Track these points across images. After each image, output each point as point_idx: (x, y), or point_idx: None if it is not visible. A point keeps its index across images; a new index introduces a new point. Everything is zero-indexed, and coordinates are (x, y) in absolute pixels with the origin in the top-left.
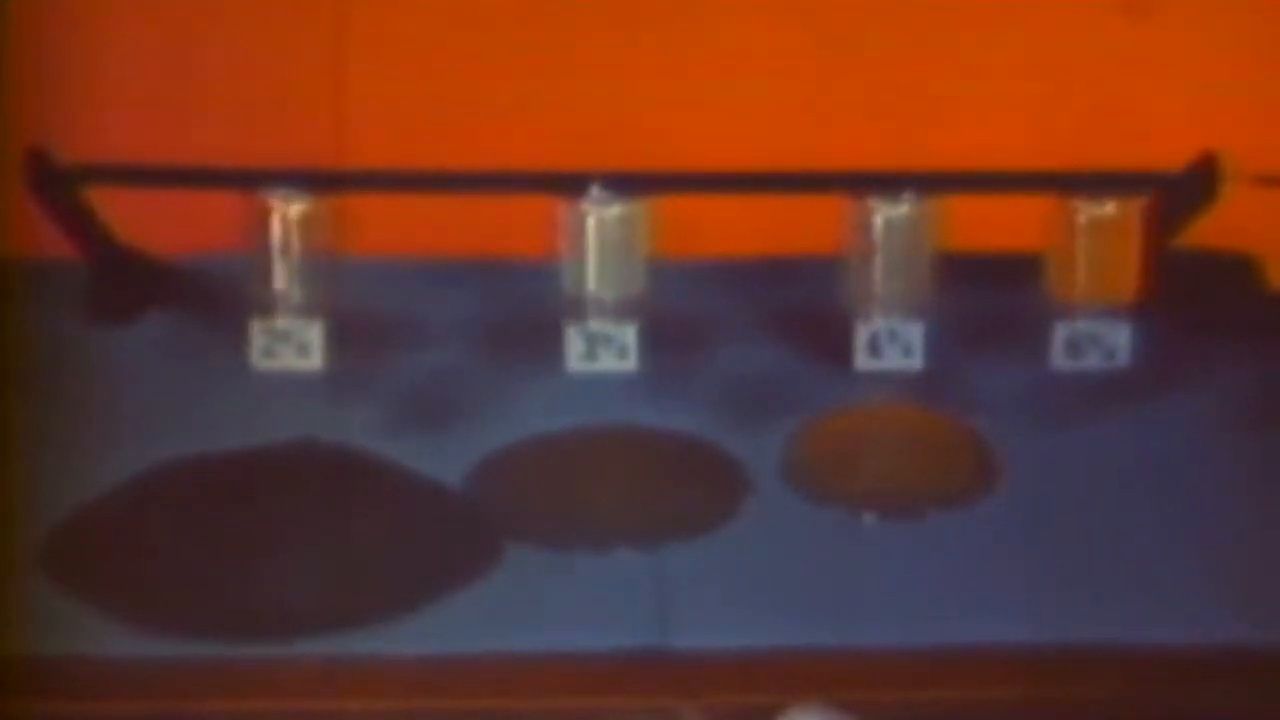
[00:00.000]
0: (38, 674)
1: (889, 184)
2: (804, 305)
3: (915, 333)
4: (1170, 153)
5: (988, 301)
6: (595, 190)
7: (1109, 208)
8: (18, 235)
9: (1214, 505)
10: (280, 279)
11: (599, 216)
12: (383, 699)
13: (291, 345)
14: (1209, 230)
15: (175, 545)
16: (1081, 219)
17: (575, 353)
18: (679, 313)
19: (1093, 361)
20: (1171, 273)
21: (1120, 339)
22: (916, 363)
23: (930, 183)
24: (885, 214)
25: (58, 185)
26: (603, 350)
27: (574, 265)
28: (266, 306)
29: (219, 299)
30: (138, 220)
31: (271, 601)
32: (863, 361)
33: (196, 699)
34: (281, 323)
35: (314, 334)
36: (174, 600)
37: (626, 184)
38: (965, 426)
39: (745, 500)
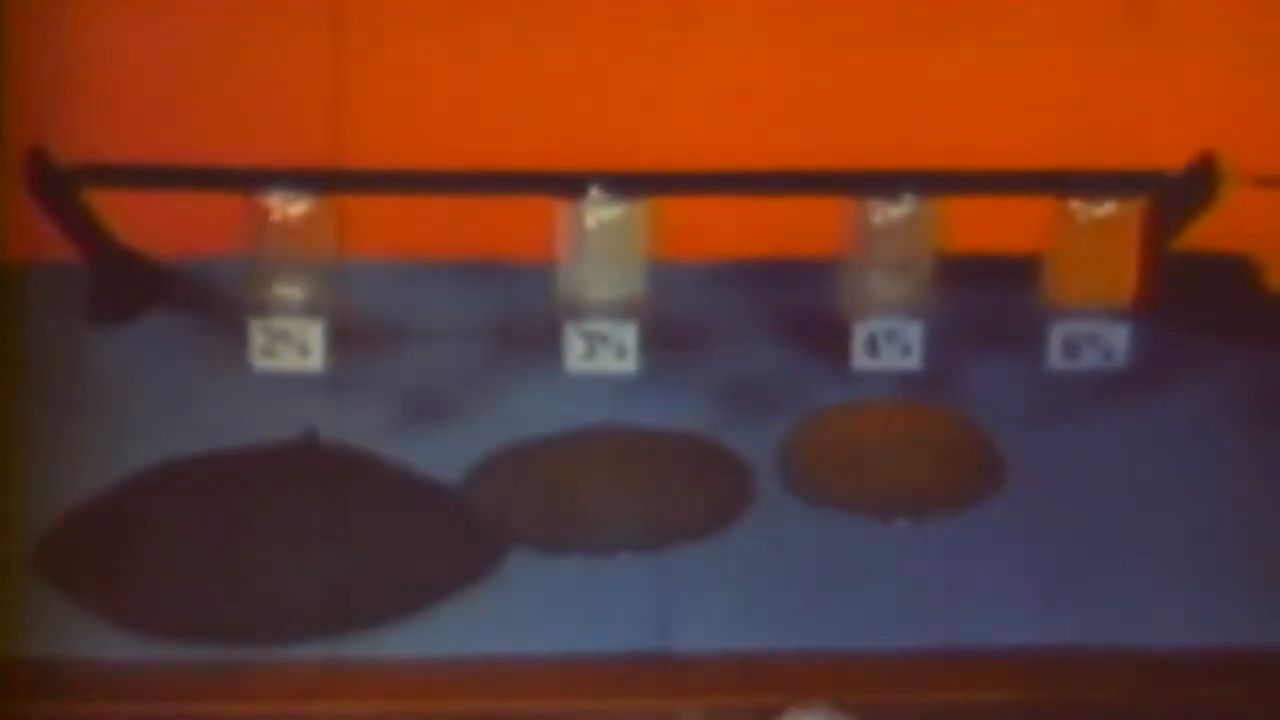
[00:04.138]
0: (35, 676)
1: (889, 184)
2: (803, 305)
3: (914, 333)
4: (1170, 153)
5: (986, 302)
6: (594, 191)
7: (1108, 208)
8: (18, 237)
9: (1213, 506)
10: (280, 279)
11: (598, 217)
12: (382, 701)
13: (292, 345)
14: (1209, 231)
15: (172, 546)
16: (1081, 219)
17: (575, 353)
18: (678, 313)
19: (1090, 362)
20: (1171, 274)
21: (1118, 340)
22: (915, 363)
23: (930, 183)
24: (885, 214)
25: (58, 186)
26: (602, 350)
27: (573, 266)
28: (266, 307)
29: (219, 299)
30: (138, 221)
31: (270, 603)
32: (861, 361)
33: (194, 702)
34: (282, 323)
35: (314, 334)
36: (171, 602)
37: (626, 184)
38: (967, 425)
39: (745, 501)
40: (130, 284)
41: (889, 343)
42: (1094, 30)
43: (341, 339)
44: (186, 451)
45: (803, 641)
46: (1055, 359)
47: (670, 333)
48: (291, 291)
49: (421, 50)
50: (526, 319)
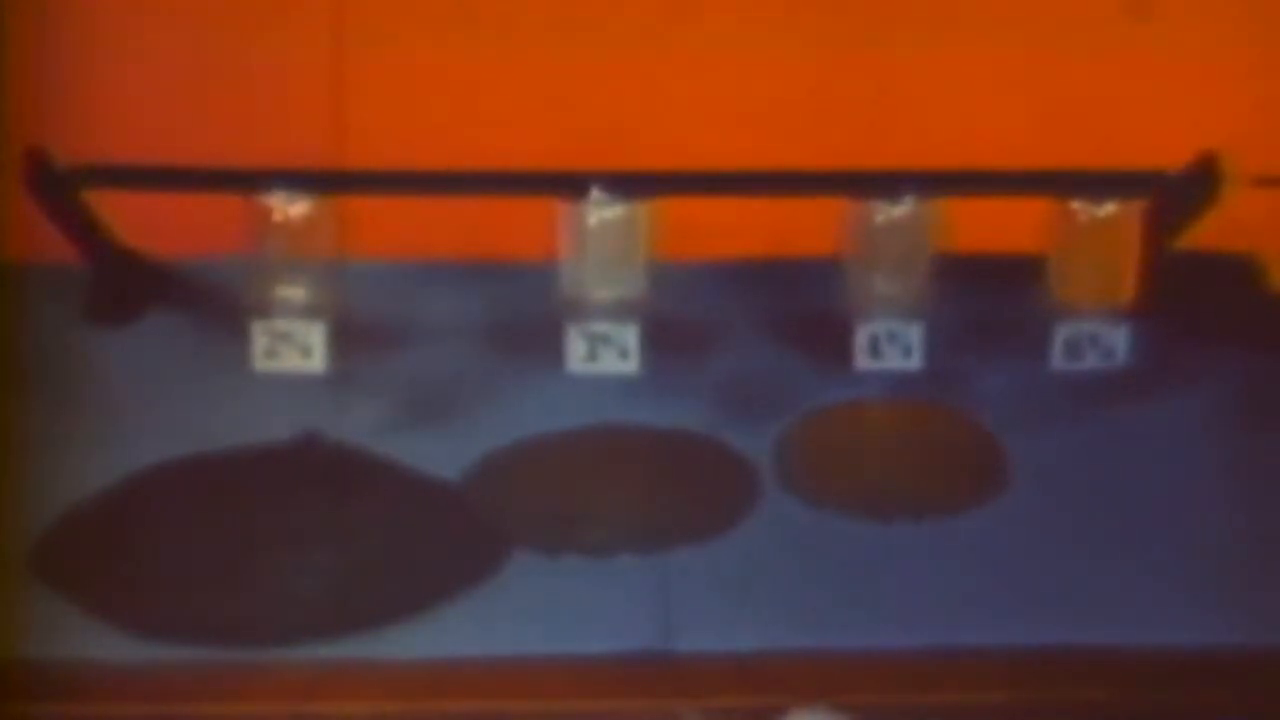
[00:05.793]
0: (35, 676)
1: (889, 184)
2: (804, 306)
3: (915, 333)
4: (1170, 153)
5: (987, 302)
6: (595, 191)
7: (1109, 208)
8: (18, 237)
9: (1213, 506)
10: (281, 280)
11: (599, 217)
12: (382, 701)
13: (293, 346)
14: (1209, 231)
15: (172, 546)
16: (1081, 220)
17: (576, 354)
18: (679, 314)
19: (1091, 362)
20: (1171, 274)
21: (1119, 340)
22: (916, 363)
23: (930, 183)
24: (885, 214)
25: (57, 187)
26: (603, 351)
27: (574, 266)
28: (267, 308)
29: (220, 301)
30: (138, 221)
31: (270, 603)
32: (862, 362)
33: (194, 702)
34: (283, 324)
35: (316, 335)
36: (171, 602)
37: (626, 185)
38: (967, 425)
39: (745, 502)
40: (130, 284)
41: (890, 343)
42: (1094, 30)
43: (343, 340)
44: (187, 451)
45: (803, 641)
46: (1056, 359)
47: (671, 333)
48: (293, 292)
49: (422, 50)
50: (528, 320)
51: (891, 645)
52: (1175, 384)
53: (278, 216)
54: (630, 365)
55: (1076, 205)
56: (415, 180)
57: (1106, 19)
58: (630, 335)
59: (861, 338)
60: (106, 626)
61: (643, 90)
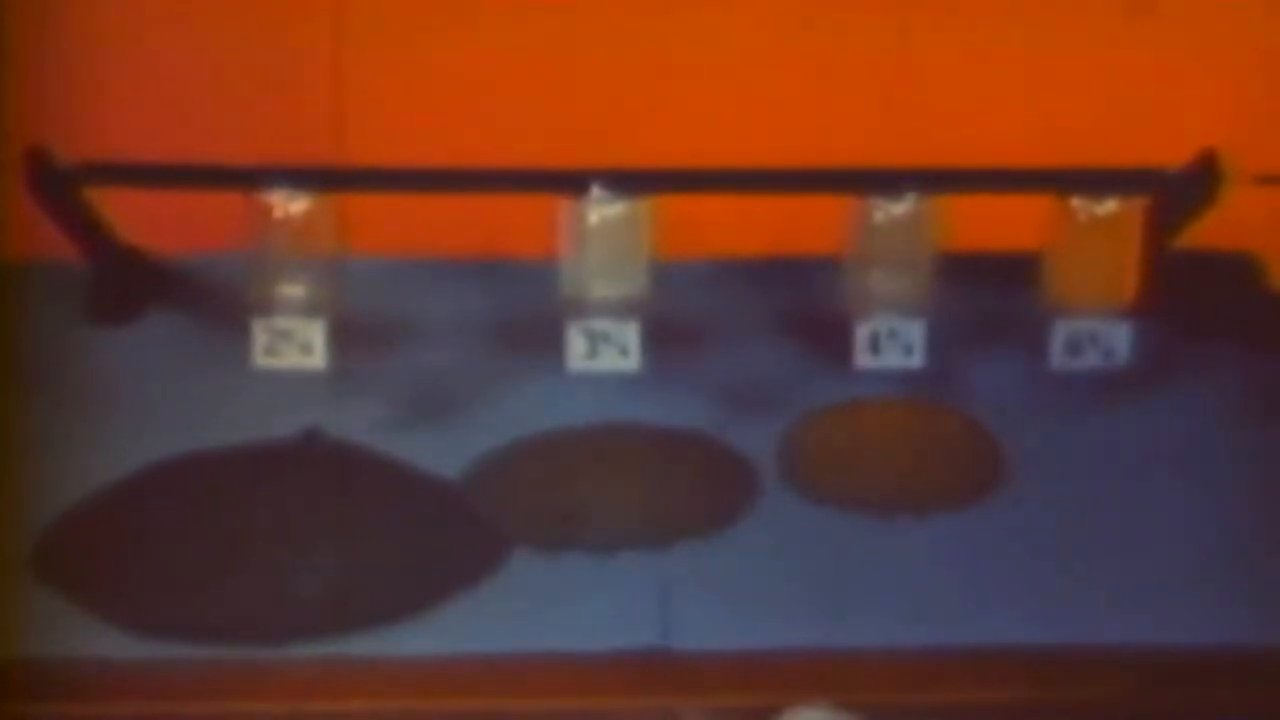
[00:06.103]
0: (35, 676)
1: (890, 182)
2: (805, 304)
3: (915, 332)
4: (1170, 152)
5: (988, 301)
6: (596, 189)
7: (1109, 207)
8: (18, 237)
9: (1213, 506)
10: (282, 278)
11: (600, 215)
12: (382, 701)
13: (294, 344)
14: (1209, 230)
15: (172, 545)
16: (1082, 218)
17: (576, 352)
18: (680, 312)
19: (1092, 361)
20: (1171, 273)
21: (1119, 339)
22: (916, 362)
23: (931, 181)
24: (885, 214)
25: (58, 185)
26: (604, 349)
27: (575, 264)
28: (268, 305)
29: (220, 298)
30: (139, 219)
31: (270, 603)
32: (863, 360)
33: (194, 702)
34: (284, 321)
35: (316, 332)
36: (171, 601)
37: (627, 183)
38: (968, 423)
39: (746, 500)
40: (131, 282)
41: (891, 341)
42: (1095, 29)
43: (343, 337)
44: (187, 450)
45: (803, 641)
46: (1057, 358)
47: (672, 331)
48: (293, 290)
49: (421, 49)
50: (528, 317)
51: (892, 644)
52: (1175, 383)
53: (278, 214)
54: (631, 363)
55: (1077, 203)
56: (415, 178)
57: (1107, 18)
58: (631, 333)
59: (862, 336)
60: (106, 626)
61: (643, 89)
